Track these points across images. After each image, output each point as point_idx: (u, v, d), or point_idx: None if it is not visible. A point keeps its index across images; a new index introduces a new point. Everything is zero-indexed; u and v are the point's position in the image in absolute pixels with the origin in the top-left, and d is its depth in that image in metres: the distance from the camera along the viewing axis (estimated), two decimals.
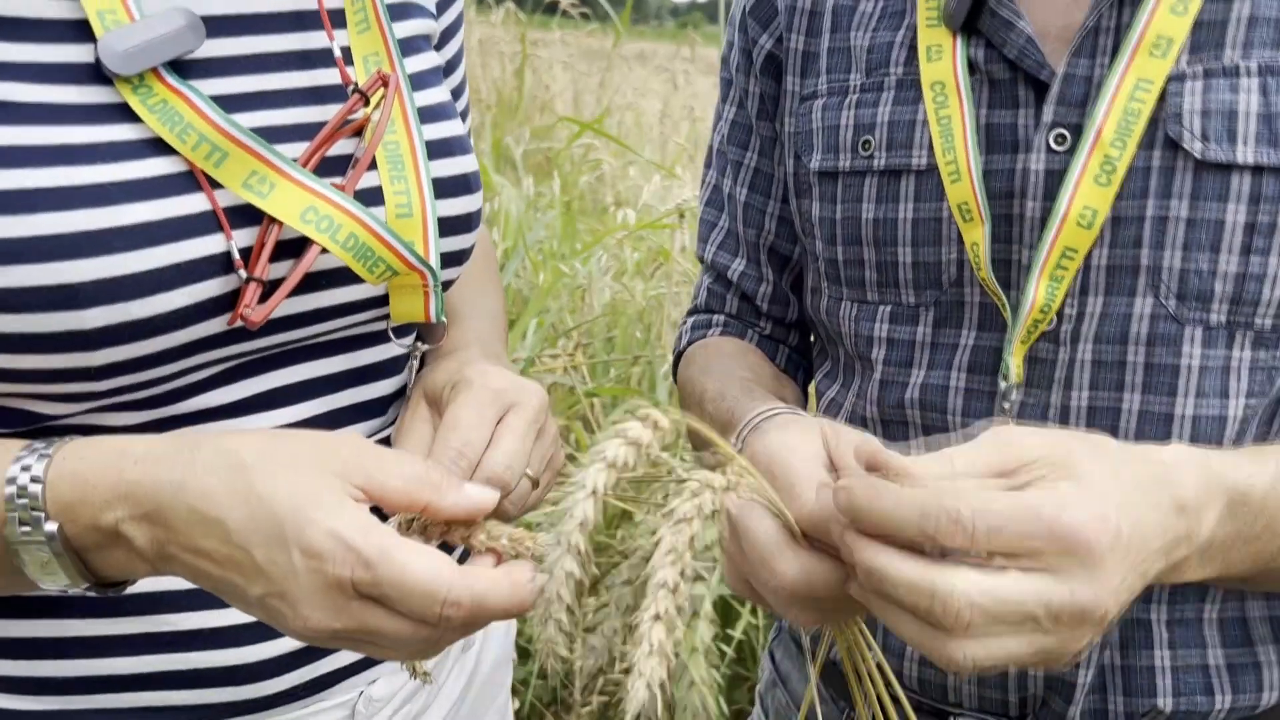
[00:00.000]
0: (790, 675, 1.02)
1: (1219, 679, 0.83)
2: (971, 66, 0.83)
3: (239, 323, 0.71)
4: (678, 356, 1.06)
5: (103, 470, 0.61)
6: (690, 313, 1.08)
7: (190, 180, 0.70)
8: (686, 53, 5.27)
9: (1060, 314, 0.80)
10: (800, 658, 1.00)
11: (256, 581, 0.59)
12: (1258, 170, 0.75)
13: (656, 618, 0.57)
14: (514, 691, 2.06)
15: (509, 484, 0.71)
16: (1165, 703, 0.83)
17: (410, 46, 0.84)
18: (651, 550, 0.61)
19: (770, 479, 0.66)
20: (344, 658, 0.82)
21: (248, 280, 0.71)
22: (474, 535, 0.67)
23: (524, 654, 2.06)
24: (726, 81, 1.02)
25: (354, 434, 0.64)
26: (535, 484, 0.76)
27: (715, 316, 1.04)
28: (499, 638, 1.00)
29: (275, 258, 0.73)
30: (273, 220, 0.72)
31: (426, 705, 0.90)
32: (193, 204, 0.70)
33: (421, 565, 0.58)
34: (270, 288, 0.72)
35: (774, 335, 1.03)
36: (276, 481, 0.59)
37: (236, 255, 0.71)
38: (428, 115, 0.84)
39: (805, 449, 0.67)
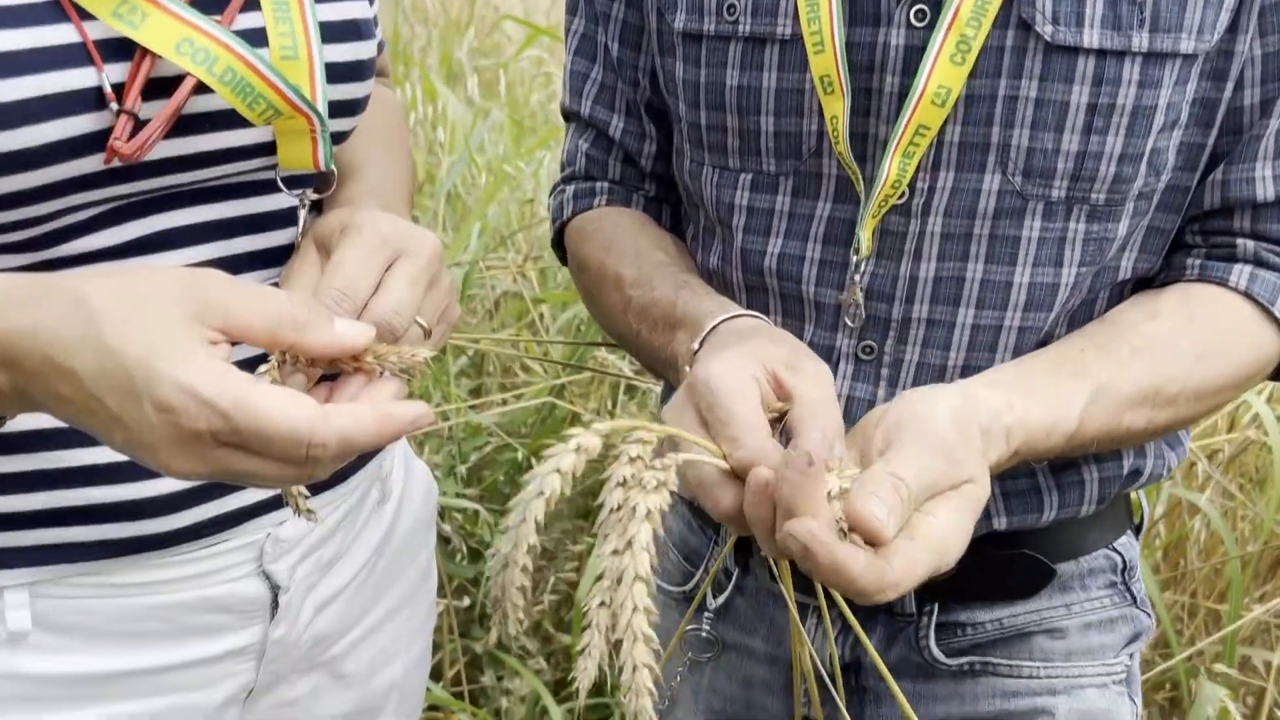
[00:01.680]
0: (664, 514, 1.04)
1: (1001, 503, 0.89)
2: None
3: (115, 161, 0.71)
4: (560, 227, 1.03)
5: None
6: (567, 179, 1.03)
7: (57, 10, 0.69)
8: None
9: (912, 188, 0.82)
10: (673, 497, 1.02)
11: (116, 429, 0.59)
12: (1101, 53, 0.78)
13: (602, 605, 0.60)
14: (465, 590, 2.08)
15: (398, 330, 0.71)
16: None
17: None
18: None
19: (710, 414, 0.69)
20: (249, 496, 0.83)
21: (119, 113, 0.70)
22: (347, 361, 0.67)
23: (475, 554, 2.08)
24: None
25: (216, 272, 0.63)
26: (427, 334, 0.75)
27: (598, 184, 1.00)
28: (418, 500, 1.01)
29: (152, 95, 0.72)
30: (146, 53, 0.71)
31: (340, 554, 0.91)
32: (60, 34, 0.69)
33: (280, 411, 0.57)
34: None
35: (658, 196, 1.01)
36: (125, 330, 0.57)
37: (108, 88, 0.70)
38: None
39: (745, 386, 0.69)
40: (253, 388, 0.58)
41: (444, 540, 2.06)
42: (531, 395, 2.27)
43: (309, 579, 0.88)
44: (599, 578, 0.61)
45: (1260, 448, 2.01)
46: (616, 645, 0.60)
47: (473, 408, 2.26)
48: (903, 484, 0.63)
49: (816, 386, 0.71)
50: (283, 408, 0.58)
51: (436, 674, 1.97)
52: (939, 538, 0.64)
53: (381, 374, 0.67)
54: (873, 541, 0.62)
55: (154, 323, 0.58)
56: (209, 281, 0.62)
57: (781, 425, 0.70)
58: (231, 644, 0.84)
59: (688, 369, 0.77)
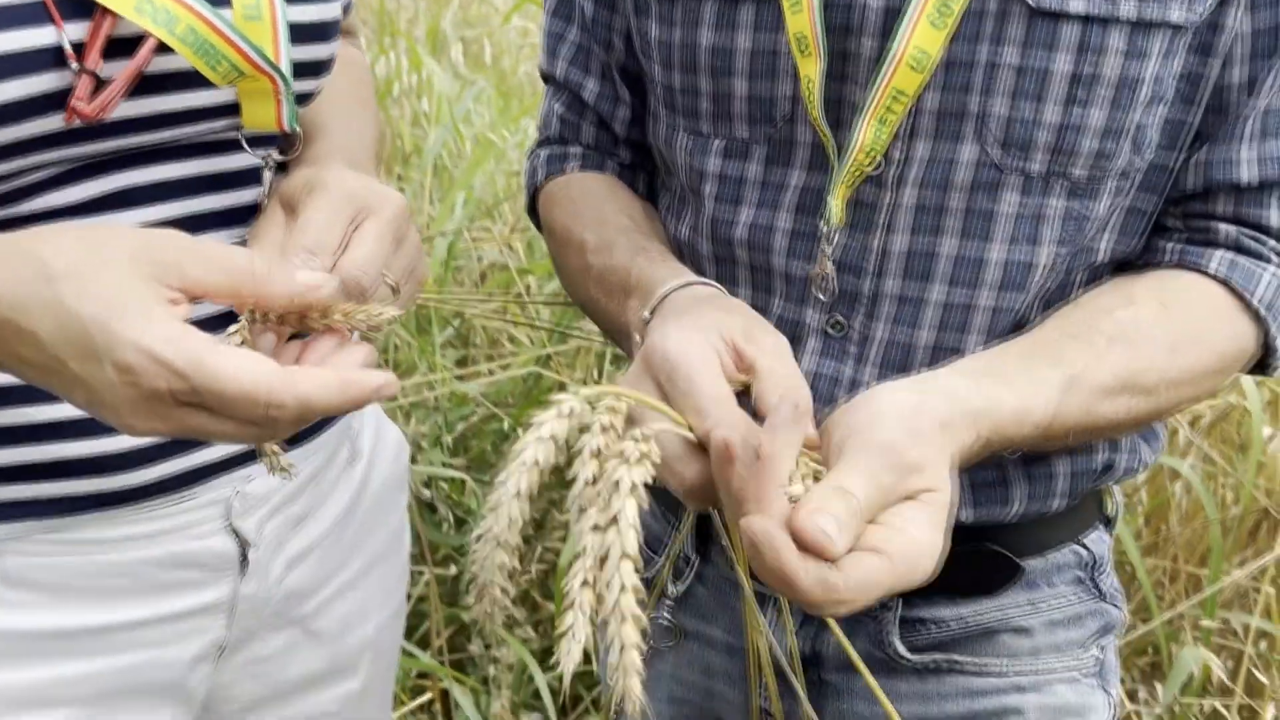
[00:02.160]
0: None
1: (968, 494, 0.86)
2: None
3: (77, 120, 0.71)
4: (533, 192, 1.01)
5: None
6: (542, 143, 1.01)
7: None
8: None
9: (887, 157, 0.80)
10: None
11: (77, 389, 0.60)
12: (1086, 20, 0.75)
13: (585, 584, 0.58)
14: (451, 559, 2.10)
15: (365, 287, 0.72)
16: None
17: None
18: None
19: (671, 385, 0.67)
20: (217, 452, 0.83)
21: (79, 72, 0.70)
22: (316, 319, 0.67)
23: (461, 523, 2.10)
24: None
25: (175, 231, 0.64)
26: (395, 291, 0.76)
27: (571, 148, 0.99)
28: (389, 460, 1.02)
29: (114, 55, 0.72)
30: (106, 11, 0.71)
31: (309, 511, 0.92)
32: None
33: (239, 372, 0.58)
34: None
35: (633, 163, 0.99)
36: (84, 292, 0.58)
37: (68, 47, 0.70)
38: None
39: (705, 357, 0.68)
40: (211, 348, 0.59)
41: (430, 509, 2.07)
42: (518, 365, 2.28)
43: (278, 535, 0.89)
44: (576, 555, 0.58)
45: (1241, 413, 2.02)
46: (596, 624, 0.58)
47: (459, 378, 2.26)
48: (852, 497, 0.61)
49: (780, 361, 0.70)
50: (241, 368, 0.59)
51: (424, 642, 1.98)
52: (912, 555, 0.61)
53: (352, 334, 0.68)
54: (821, 556, 0.59)
55: (113, 283, 0.59)
56: (167, 241, 0.63)
57: (750, 400, 0.69)
58: (201, 600, 0.85)
59: (638, 338, 0.76)
